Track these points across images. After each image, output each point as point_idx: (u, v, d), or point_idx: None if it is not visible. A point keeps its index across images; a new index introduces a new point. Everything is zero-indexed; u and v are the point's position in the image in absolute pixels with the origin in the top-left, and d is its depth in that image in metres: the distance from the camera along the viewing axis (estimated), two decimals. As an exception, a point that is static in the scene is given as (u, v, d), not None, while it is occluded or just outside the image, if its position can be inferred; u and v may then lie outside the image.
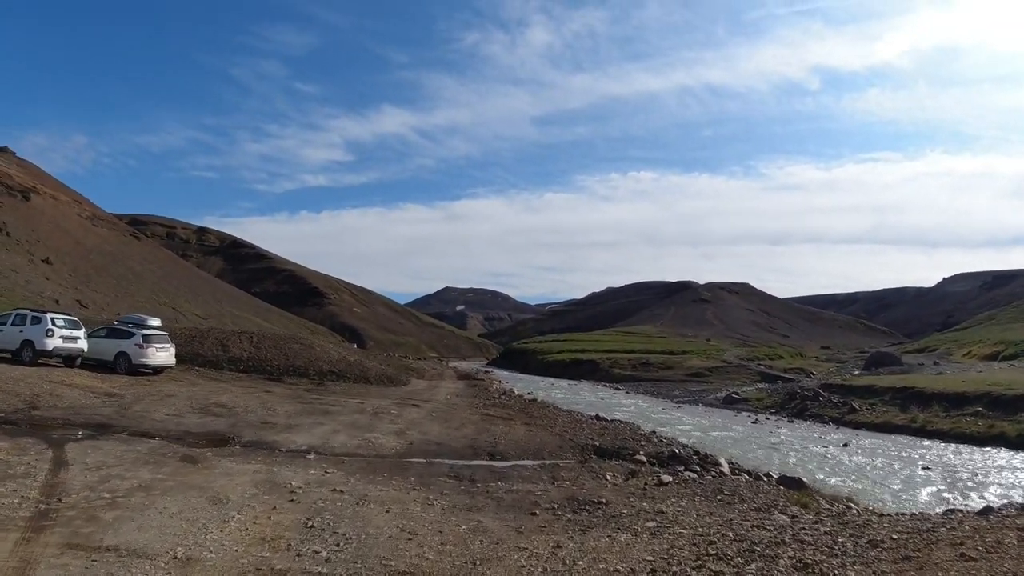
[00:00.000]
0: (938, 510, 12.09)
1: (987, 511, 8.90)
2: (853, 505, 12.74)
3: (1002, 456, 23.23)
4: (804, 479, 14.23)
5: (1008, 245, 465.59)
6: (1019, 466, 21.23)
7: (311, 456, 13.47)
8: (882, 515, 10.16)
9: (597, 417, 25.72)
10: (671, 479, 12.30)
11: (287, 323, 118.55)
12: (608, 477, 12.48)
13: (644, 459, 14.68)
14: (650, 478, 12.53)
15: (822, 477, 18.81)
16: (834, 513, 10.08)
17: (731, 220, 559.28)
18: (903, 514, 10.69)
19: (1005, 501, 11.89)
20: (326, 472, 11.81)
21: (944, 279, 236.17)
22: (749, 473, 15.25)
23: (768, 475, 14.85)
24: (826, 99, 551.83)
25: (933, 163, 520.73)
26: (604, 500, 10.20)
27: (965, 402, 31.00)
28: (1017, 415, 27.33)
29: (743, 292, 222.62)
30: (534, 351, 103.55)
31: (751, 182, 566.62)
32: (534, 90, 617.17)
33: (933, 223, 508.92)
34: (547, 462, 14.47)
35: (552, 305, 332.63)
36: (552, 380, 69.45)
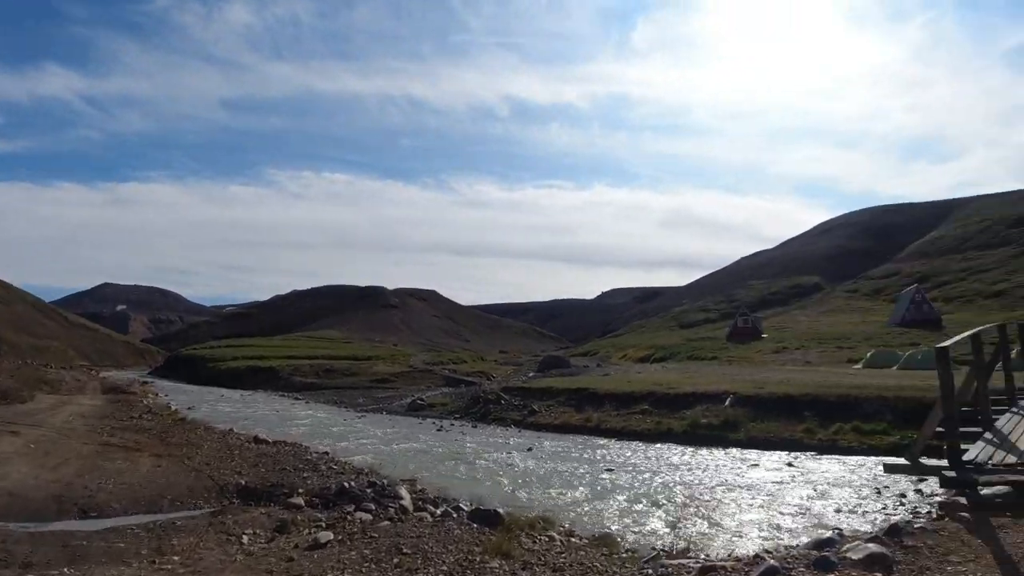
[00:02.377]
0: (712, 552, 10.38)
1: (826, 567, 6.78)
2: (556, 536, 10.59)
3: (673, 452, 23.87)
4: (500, 509, 11.82)
5: (656, 266, 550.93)
6: (690, 461, 21.74)
7: None
8: (627, 560, 7.90)
9: (256, 439, 21.30)
10: (331, 536, 8.88)
11: None
12: (244, 540, 8.73)
13: (303, 501, 11.15)
14: (306, 533, 9.05)
15: (511, 489, 16.98)
16: (551, 567, 7.63)
17: (422, 229, 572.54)
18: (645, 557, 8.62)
19: (830, 532, 10.28)
20: None
21: (603, 292, 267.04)
22: (435, 504, 12.57)
23: (458, 508, 12.22)
24: (514, 127, 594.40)
25: (599, 194, 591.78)
26: (218, 596, 6.50)
27: (633, 401, 32.32)
28: (681, 412, 28.85)
29: (431, 299, 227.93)
30: (205, 358, 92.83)
31: (443, 195, 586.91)
32: (228, 71, 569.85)
33: (597, 244, 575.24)
34: (163, 517, 10.22)
35: (231, 307, 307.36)
36: (224, 391, 61.87)
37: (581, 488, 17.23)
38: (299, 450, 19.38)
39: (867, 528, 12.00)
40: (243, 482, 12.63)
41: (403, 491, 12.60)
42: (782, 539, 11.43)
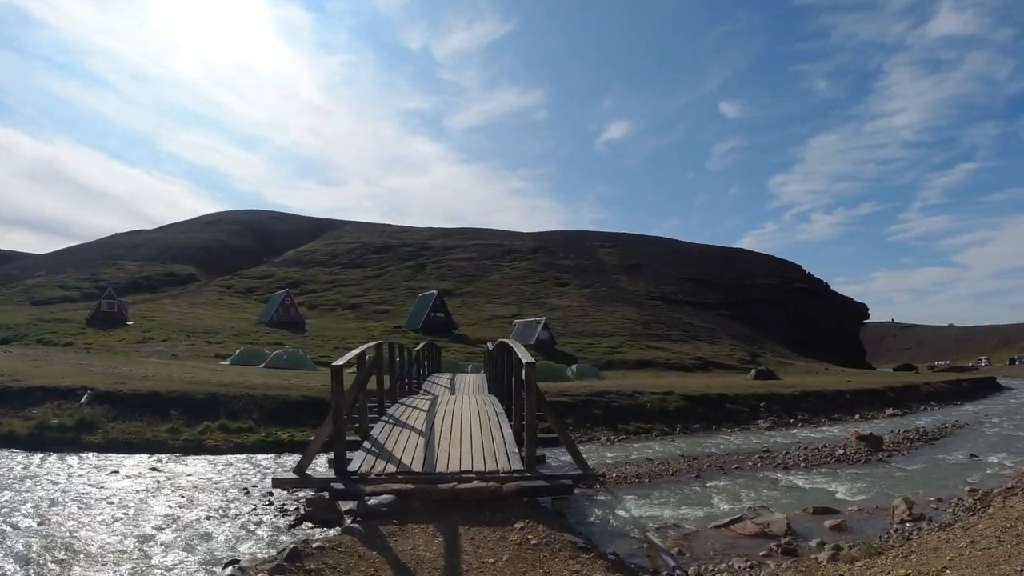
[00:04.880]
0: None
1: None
2: None
3: (17, 460, 19.64)
4: None
5: (11, 226, 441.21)
6: (39, 471, 18.14)
7: None
8: None
9: None
10: None
11: None
12: None
13: None
14: None
15: None
16: None
17: None
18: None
19: (231, 569, 8.48)
20: None
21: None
22: None
23: None
24: None
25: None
26: None
27: (-40, 396, 26.08)
28: (27, 410, 24.29)
29: None
30: None
31: None
32: None
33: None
34: None
35: None
36: None
37: None
38: None
39: (239, 532, 12.01)
40: None
41: None
42: (154, 561, 10.49)
